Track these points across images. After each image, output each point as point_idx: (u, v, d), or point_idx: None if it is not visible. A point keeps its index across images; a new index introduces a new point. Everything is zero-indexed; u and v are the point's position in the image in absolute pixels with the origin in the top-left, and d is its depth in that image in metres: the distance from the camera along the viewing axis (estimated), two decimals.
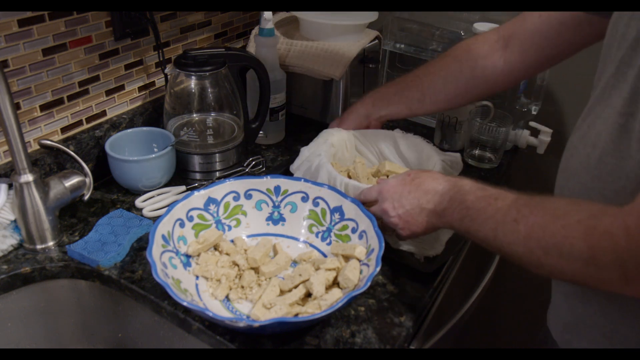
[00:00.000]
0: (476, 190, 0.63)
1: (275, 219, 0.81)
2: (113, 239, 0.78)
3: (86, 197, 0.85)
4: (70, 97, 0.90)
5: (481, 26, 1.11)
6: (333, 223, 0.79)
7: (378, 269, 0.65)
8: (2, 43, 0.78)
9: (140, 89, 1.02)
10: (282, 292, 0.69)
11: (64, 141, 0.89)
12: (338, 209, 0.78)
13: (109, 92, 0.96)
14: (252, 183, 0.80)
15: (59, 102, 0.88)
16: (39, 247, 0.78)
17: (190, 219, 0.76)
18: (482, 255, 0.96)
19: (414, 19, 1.19)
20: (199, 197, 0.77)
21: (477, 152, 1.07)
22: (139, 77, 1.01)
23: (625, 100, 0.53)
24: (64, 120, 0.90)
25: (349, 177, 0.88)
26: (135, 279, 0.74)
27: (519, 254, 0.55)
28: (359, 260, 0.71)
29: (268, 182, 0.80)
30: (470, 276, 0.92)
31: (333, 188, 0.79)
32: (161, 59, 1.00)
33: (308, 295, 0.69)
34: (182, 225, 0.74)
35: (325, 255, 0.77)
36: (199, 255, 0.74)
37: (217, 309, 0.68)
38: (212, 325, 0.67)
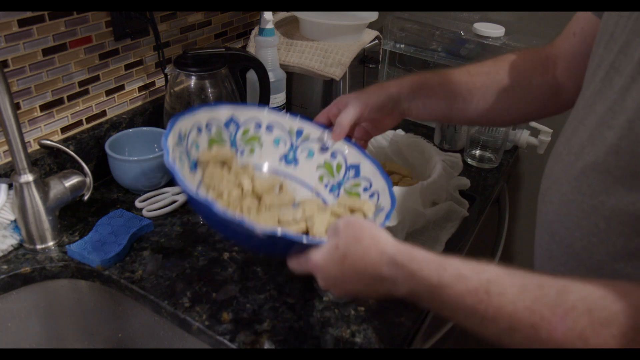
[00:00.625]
0: (439, 277, 0.49)
1: (289, 159, 0.78)
2: (113, 239, 0.78)
3: (86, 197, 0.85)
4: (70, 97, 0.90)
5: (481, 26, 1.12)
6: (346, 178, 0.75)
7: (387, 222, 0.61)
8: (2, 43, 0.78)
9: (140, 89, 1.02)
10: (280, 222, 0.65)
11: (64, 141, 0.89)
12: (355, 167, 0.74)
13: (109, 92, 0.96)
14: (277, 118, 0.77)
15: (59, 102, 0.88)
16: (39, 247, 0.78)
17: (209, 129, 0.71)
18: (482, 256, 0.96)
19: (414, 19, 1.19)
20: (224, 111, 0.73)
21: (477, 152, 1.07)
22: (139, 77, 1.01)
23: (608, 110, 0.51)
24: (64, 120, 0.90)
25: None
26: (135, 279, 0.74)
27: (492, 337, 0.46)
28: (365, 217, 0.66)
29: (293, 123, 0.77)
30: None
31: (356, 145, 0.75)
32: (161, 59, 1.00)
33: (306, 233, 0.65)
34: (199, 131, 0.70)
35: (325, 203, 0.75)
36: (207, 165, 0.69)
37: None
38: (212, 325, 0.67)
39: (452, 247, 0.81)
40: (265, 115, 0.76)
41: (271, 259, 0.79)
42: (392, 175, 0.88)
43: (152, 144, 0.95)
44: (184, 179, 0.57)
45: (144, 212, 0.86)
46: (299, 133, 0.78)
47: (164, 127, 0.96)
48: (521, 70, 0.75)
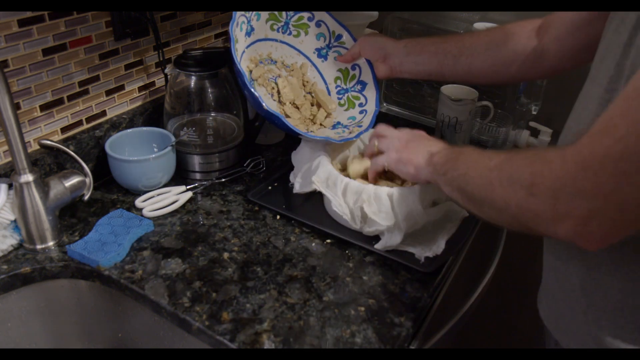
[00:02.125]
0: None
1: (322, 54, 0.98)
2: (113, 239, 0.78)
3: (86, 197, 0.85)
4: (70, 97, 0.90)
5: (481, 26, 1.12)
6: (353, 89, 0.97)
7: (357, 138, 0.89)
8: (2, 43, 0.78)
9: (140, 89, 1.02)
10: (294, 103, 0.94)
11: (64, 141, 0.89)
12: (363, 84, 0.97)
13: (109, 92, 0.96)
14: (328, 18, 0.95)
15: (59, 102, 0.88)
16: (39, 247, 0.78)
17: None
18: (482, 255, 0.96)
19: (414, 19, 1.19)
20: None
21: None
22: (139, 77, 1.01)
23: (610, 77, 0.54)
24: (64, 120, 0.90)
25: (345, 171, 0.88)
26: (135, 279, 0.74)
27: (479, 187, 0.58)
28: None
29: (337, 28, 0.96)
30: (470, 276, 0.92)
31: (372, 70, 0.95)
32: (161, 59, 1.00)
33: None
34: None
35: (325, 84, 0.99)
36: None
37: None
38: (212, 325, 0.67)
39: (452, 247, 0.81)
40: (319, 13, 0.95)
41: (271, 258, 0.79)
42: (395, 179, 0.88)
43: (152, 144, 0.95)
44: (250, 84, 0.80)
45: (144, 212, 0.86)
46: (339, 37, 0.97)
47: (164, 127, 0.97)
48: (510, 34, 0.84)
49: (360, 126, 0.91)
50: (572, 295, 0.64)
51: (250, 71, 0.91)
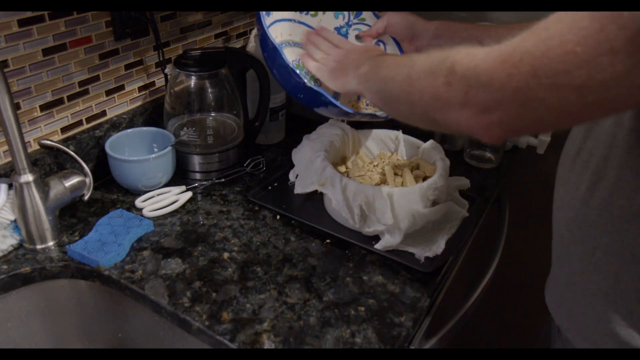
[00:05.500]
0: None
1: (342, 32, 0.93)
2: (113, 239, 0.78)
3: (86, 197, 0.85)
4: (70, 97, 0.90)
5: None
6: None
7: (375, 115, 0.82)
8: (2, 43, 0.78)
9: (140, 89, 1.02)
10: None
11: (64, 141, 0.89)
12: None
13: (109, 92, 0.96)
14: None
15: (59, 102, 0.88)
16: (39, 247, 0.78)
17: None
18: (482, 255, 0.96)
19: None
20: None
21: (477, 152, 1.07)
22: (139, 77, 1.01)
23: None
24: (64, 120, 0.90)
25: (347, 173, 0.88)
26: (135, 279, 0.74)
27: (397, 84, 0.59)
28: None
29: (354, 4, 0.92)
30: (470, 276, 0.92)
31: (399, 46, 0.91)
32: (161, 59, 1.00)
33: None
34: None
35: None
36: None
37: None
38: (212, 325, 0.67)
39: (452, 247, 0.81)
40: None
41: (271, 258, 0.79)
42: (415, 172, 0.88)
43: (152, 144, 0.95)
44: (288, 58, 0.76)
45: (144, 212, 0.86)
46: (358, 14, 0.93)
47: (164, 127, 0.97)
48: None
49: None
50: (572, 280, 0.65)
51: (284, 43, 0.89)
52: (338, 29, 0.93)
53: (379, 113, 0.81)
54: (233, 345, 0.65)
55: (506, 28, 0.85)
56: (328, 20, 0.92)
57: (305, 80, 0.77)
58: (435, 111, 0.54)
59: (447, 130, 0.55)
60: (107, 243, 0.78)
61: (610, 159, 0.57)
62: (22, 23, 0.79)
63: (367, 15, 0.92)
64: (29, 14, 0.79)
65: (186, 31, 1.07)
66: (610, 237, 0.58)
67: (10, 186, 0.77)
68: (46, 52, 0.83)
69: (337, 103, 0.76)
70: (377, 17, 0.91)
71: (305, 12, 0.91)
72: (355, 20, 0.93)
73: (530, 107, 0.45)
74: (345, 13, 0.93)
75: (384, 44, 0.92)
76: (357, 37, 0.93)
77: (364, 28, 0.93)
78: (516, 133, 0.50)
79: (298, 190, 0.86)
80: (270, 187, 0.95)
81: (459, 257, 0.86)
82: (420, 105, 0.56)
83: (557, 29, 0.43)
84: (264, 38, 0.79)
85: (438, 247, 0.80)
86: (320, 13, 0.92)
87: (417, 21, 0.88)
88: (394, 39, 0.91)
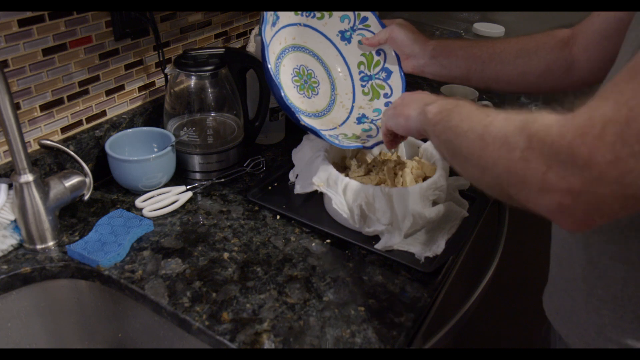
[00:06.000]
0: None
1: (346, 36, 0.94)
2: (113, 239, 0.78)
3: (86, 197, 0.85)
4: (70, 97, 0.90)
5: (481, 26, 1.12)
6: (377, 76, 0.94)
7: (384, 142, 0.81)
8: (2, 43, 0.78)
9: (140, 89, 1.02)
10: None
11: (64, 141, 0.89)
12: (388, 71, 0.93)
13: (109, 92, 0.96)
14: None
15: (59, 102, 0.88)
16: (39, 247, 0.78)
17: None
18: (482, 255, 0.96)
19: (414, 19, 1.19)
20: None
21: None
22: (139, 77, 1.01)
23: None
24: (64, 120, 0.90)
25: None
26: (135, 279, 0.74)
27: (469, 141, 0.53)
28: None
29: (359, 14, 0.93)
30: (470, 276, 0.92)
31: (399, 58, 0.92)
32: (161, 59, 1.00)
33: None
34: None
35: (353, 88, 0.95)
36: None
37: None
38: (212, 325, 0.67)
39: (452, 247, 0.81)
40: None
41: (271, 258, 0.79)
42: (416, 172, 0.89)
43: (152, 144, 0.95)
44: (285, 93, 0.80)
45: (144, 212, 0.86)
46: (364, 20, 0.93)
47: (164, 127, 0.96)
48: (540, 43, 0.82)
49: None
50: (574, 285, 0.65)
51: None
52: (342, 33, 0.94)
53: (365, 146, 0.84)
54: (233, 345, 0.65)
55: (503, 43, 0.85)
56: (333, 23, 0.93)
57: (301, 121, 0.79)
58: (510, 186, 0.48)
59: (523, 208, 0.49)
60: (107, 243, 0.78)
61: None
62: (22, 23, 0.79)
63: (372, 22, 0.93)
64: (29, 14, 0.79)
65: (186, 31, 1.07)
66: (617, 244, 0.58)
67: (10, 186, 0.77)
68: (46, 52, 0.83)
69: (323, 135, 0.79)
70: (382, 25, 0.92)
71: (311, 16, 0.91)
72: (360, 26, 0.93)
73: (626, 183, 0.39)
74: (351, 17, 0.93)
75: (384, 53, 0.93)
76: (360, 43, 0.94)
77: (368, 35, 0.93)
78: (609, 217, 0.43)
79: (298, 190, 0.86)
80: (270, 187, 0.95)
81: (459, 257, 0.86)
82: (492, 174, 0.50)
83: (633, 89, 0.39)
84: (266, 72, 0.80)
85: (438, 247, 0.80)
86: (326, 16, 0.92)
87: (417, 40, 0.88)
88: (397, 53, 0.92)
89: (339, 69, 0.95)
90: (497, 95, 1.10)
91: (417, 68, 0.90)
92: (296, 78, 0.91)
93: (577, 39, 0.79)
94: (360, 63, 0.95)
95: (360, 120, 0.93)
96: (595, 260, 0.60)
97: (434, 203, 0.84)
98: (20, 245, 0.79)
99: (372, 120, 0.92)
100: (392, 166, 0.88)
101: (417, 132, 0.70)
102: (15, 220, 0.78)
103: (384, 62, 0.94)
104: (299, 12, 0.90)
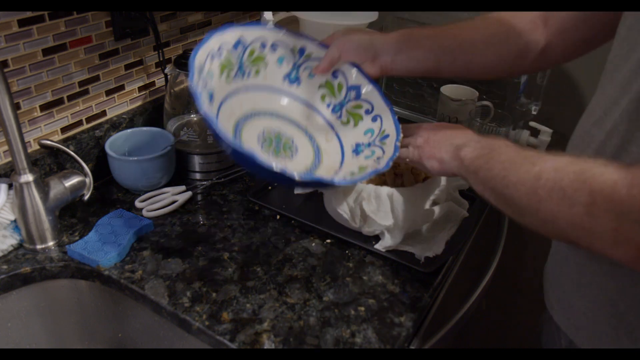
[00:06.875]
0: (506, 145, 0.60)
1: (292, 78, 0.81)
2: (113, 239, 0.78)
3: (86, 197, 0.85)
4: (70, 97, 0.90)
5: None
6: (347, 99, 0.81)
7: (397, 153, 0.72)
8: (2, 43, 0.78)
9: (140, 89, 1.02)
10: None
11: (64, 141, 0.89)
12: (356, 88, 0.80)
13: (109, 92, 0.96)
14: (282, 37, 0.79)
15: (59, 102, 0.88)
16: (39, 247, 0.78)
17: (220, 54, 0.73)
18: (482, 255, 0.96)
19: (414, 19, 1.19)
20: (232, 33, 0.74)
21: None
22: (139, 77, 1.01)
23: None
24: (64, 120, 0.90)
25: None
26: (135, 279, 0.74)
27: (520, 194, 0.52)
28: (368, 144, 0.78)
29: (297, 42, 0.80)
30: (470, 276, 0.92)
31: (359, 68, 0.79)
32: (161, 59, 1.00)
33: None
34: (212, 58, 0.71)
35: (330, 125, 0.82)
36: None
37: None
38: (212, 325, 0.67)
39: (452, 247, 0.81)
40: (269, 33, 0.78)
41: (271, 258, 0.79)
42: (416, 172, 0.88)
43: (152, 144, 0.95)
44: (220, 129, 0.62)
45: (144, 212, 0.86)
46: (302, 52, 0.80)
47: (164, 127, 0.97)
48: (510, 27, 0.78)
49: (387, 136, 0.76)
50: (582, 281, 0.63)
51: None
52: (288, 76, 0.81)
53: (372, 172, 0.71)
54: (233, 345, 0.65)
55: (471, 30, 0.80)
56: (273, 71, 0.80)
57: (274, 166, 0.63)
58: (577, 238, 0.48)
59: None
60: (107, 243, 0.78)
61: (621, 159, 0.56)
62: (22, 23, 0.79)
63: (311, 49, 0.80)
64: (29, 14, 0.79)
65: (186, 31, 1.08)
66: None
67: (10, 186, 0.77)
68: (46, 52, 0.83)
69: (321, 178, 0.70)
70: (324, 46, 0.79)
71: (246, 75, 0.78)
72: (302, 60, 0.81)
73: None
74: (287, 55, 0.80)
75: (341, 71, 0.80)
76: (311, 76, 0.81)
77: (314, 64, 0.80)
78: None
79: (298, 190, 0.86)
80: (270, 187, 0.95)
81: (459, 257, 0.86)
82: (554, 227, 0.50)
83: None
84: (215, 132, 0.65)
85: (438, 247, 0.80)
86: (262, 69, 0.79)
87: (373, 39, 0.78)
88: (354, 64, 0.79)
89: (305, 115, 0.82)
90: (497, 96, 1.10)
91: (385, 67, 0.79)
92: (266, 144, 0.77)
93: (550, 21, 0.76)
94: (323, 96, 0.82)
95: (356, 151, 0.80)
96: (603, 259, 0.59)
97: (434, 203, 0.84)
98: (20, 245, 0.79)
99: (369, 143, 0.79)
100: (392, 166, 0.88)
101: (452, 174, 0.68)
102: (15, 220, 0.78)
103: (347, 81, 0.81)
104: (232, 76, 0.76)
